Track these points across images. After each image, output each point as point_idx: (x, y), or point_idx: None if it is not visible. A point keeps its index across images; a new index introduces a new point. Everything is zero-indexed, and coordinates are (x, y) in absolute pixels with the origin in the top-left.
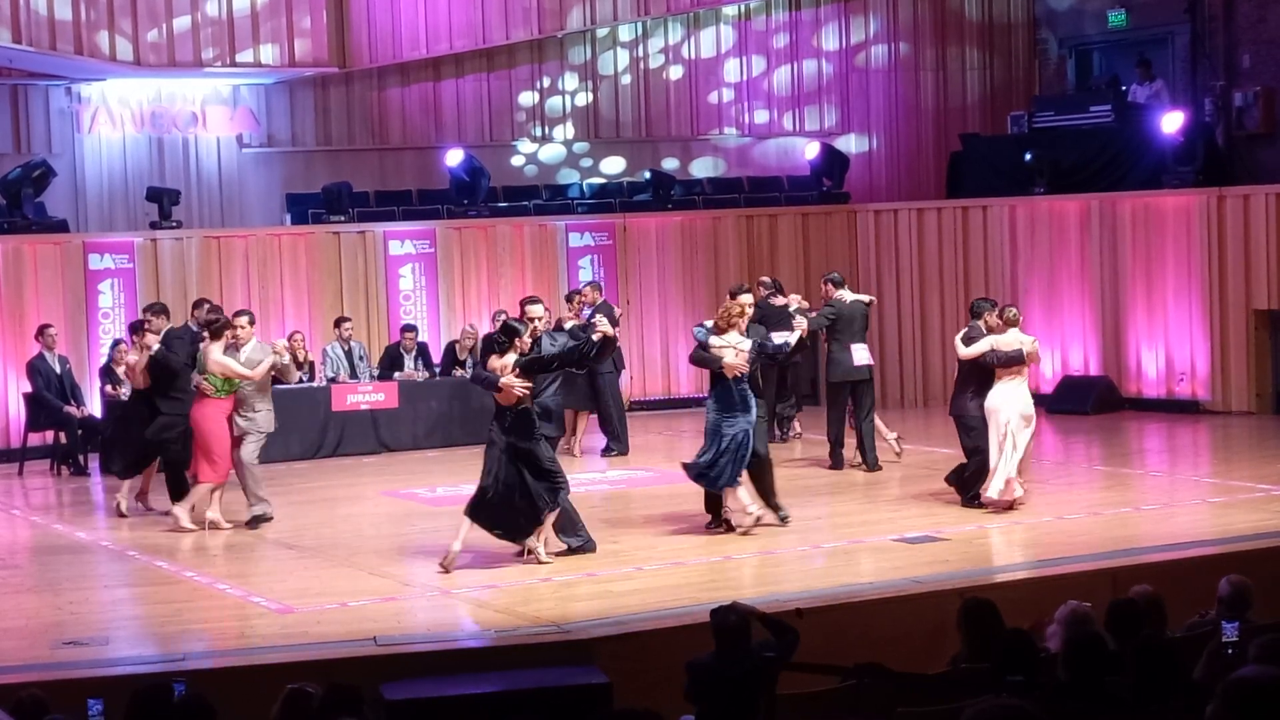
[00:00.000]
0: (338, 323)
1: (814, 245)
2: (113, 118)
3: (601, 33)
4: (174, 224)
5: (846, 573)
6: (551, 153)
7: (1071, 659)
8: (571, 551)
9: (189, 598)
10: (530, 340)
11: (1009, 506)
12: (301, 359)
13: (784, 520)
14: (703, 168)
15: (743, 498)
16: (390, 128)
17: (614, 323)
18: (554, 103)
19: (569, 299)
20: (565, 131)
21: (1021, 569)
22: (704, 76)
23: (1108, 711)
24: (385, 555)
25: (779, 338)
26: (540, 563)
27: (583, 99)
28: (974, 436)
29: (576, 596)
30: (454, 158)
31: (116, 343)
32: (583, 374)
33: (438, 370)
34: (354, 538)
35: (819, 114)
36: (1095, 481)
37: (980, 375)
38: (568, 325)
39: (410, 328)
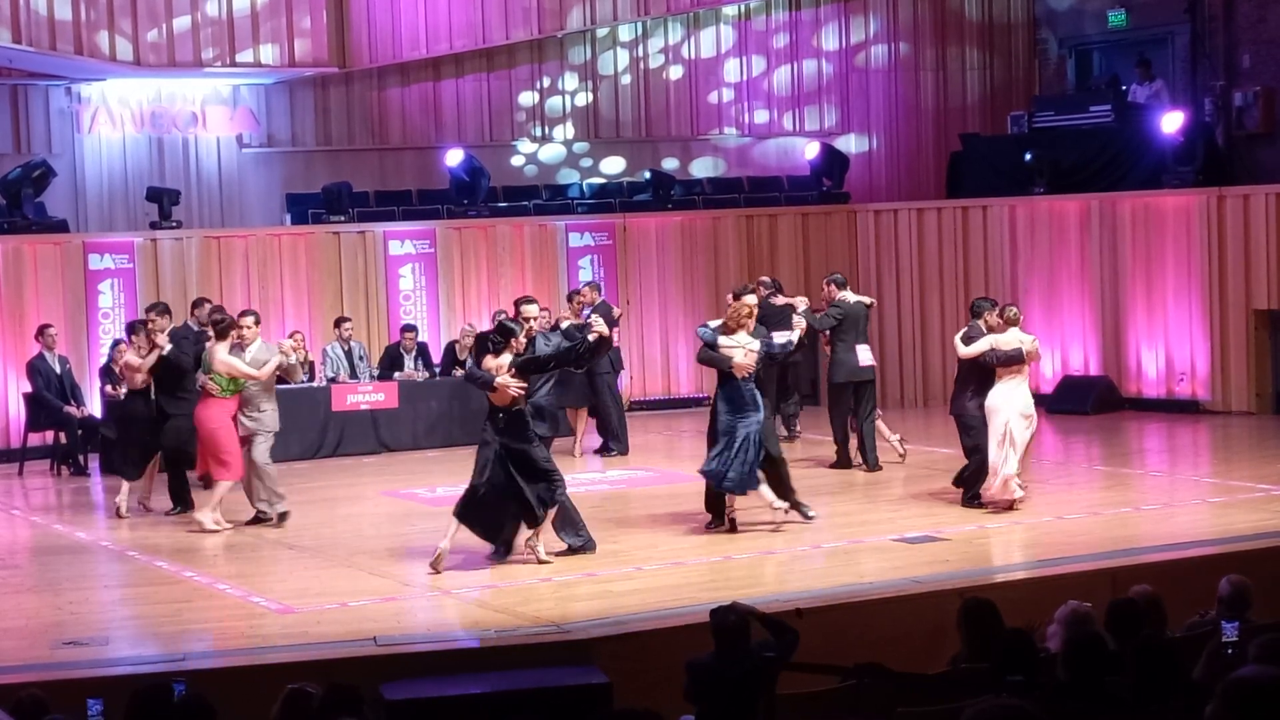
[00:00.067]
0: (338, 323)
1: (814, 245)
2: (113, 118)
3: (601, 33)
4: (174, 224)
5: (846, 573)
6: (551, 153)
7: (1071, 659)
8: (571, 551)
9: (189, 598)
10: (525, 340)
11: (1009, 506)
12: (301, 359)
13: (810, 518)
14: (703, 168)
15: (767, 494)
16: (390, 128)
17: (612, 323)
18: (554, 103)
19: (570, 299)
20: (565, 131)
21: (1021, 569)
22: (704, 76)
23: (1108, 711)
24: (385, 555)
25: (780, 337)
26: (541, 562)
27: (583, 99)
28: (973, 436)
29: (576, 596)
30: (454, 158)
31: (116, 343)
32: (581, 373)
33: (438, 370)
34: (354, 538)
35: (819, 114)
36: (1095, 481)
37: (980, 375)
38: (564, 325)
39: (410, 328)
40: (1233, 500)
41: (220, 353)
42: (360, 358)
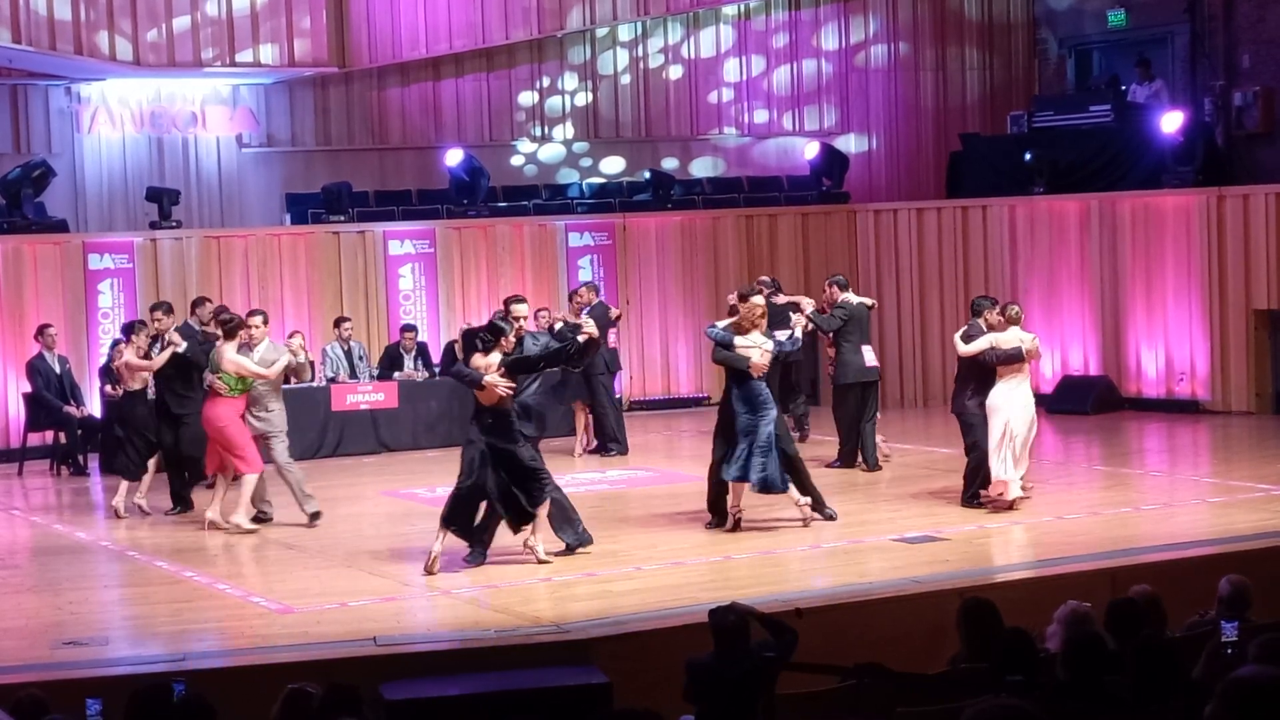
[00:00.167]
0: (337, 323)
1: (814, 245)
2: (112, 118)
3: (601, 33)
4: (174, 224)
5: (847, 573)
6: (551, 153)
7: (1071, 659)
8: (570, 550)
9: (189, 598)
10: (514, 339)
11: (1009, 506)
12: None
13: (830, 517)
14: (702, 168)
15: (793, 492)
16: (390, 128)
17: (610, 324)
18: (554, 103)
19: (571, 299)
20: (565, 131)
21: (1021, 569)
22: (704, 76)
23: (1107, 711)
24: (385, 555)
25: (783, 334)
26: (540, 562)
27: (582, 99)
28: (973, 434)
29: (576, 596)
30: (454, 158)
31: (116, 343)
32: (578, 372)
33: (437, 370)
34: (354, 538)
35: (819, 114)
36: (1095, 481)
37: (980, 373)
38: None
39: (410, 328)
40: (1232, 500)
41: (229, 352)
42: (360, 358)
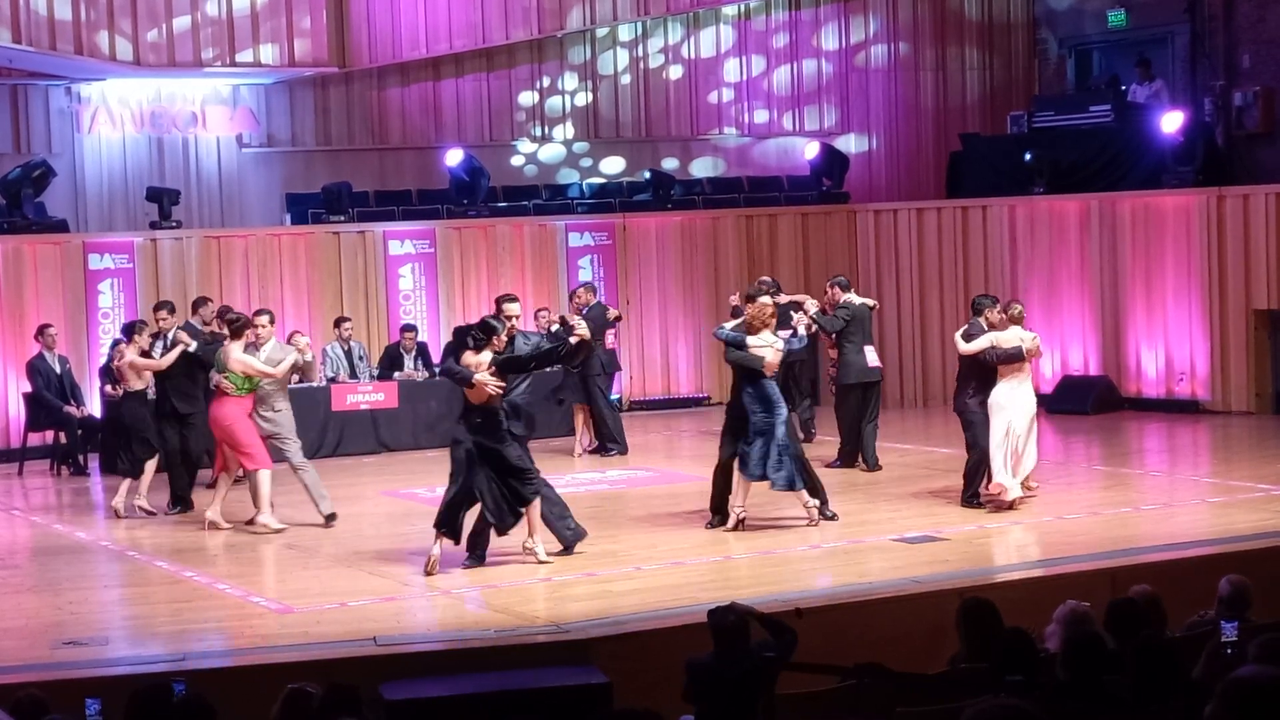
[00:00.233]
0: (337, 323)
1: (814, 245)
2: (113, 118)
3: (601, 33)
4: (174, 224)
5: (847, 572)
6: (551, 153)
7: (1071, 659)
8: (567, 549)
9: (189, 598)
10: (506, 338)
11: (1009, 506)
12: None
13: (832, 518)
14: (702, 168)
15: (803, 493)
16: (390, 128)
17: (608, 325)
18: (554, 103)
19: (572, 299)
20: (565, 131)
21: (1021, 569)
22: (704, 76)
23: (1107, 711)
24: (385, 555)
25: (786, 334)
26: (540, 562)
27: (582, 99)
28: (973, 432)
29: (576, 596)
30: (454, 158)
31: (116, 343)
32: (576, 373)
33: (438, 370)
34: (354, 538)
35: (819, 114)
36: (1095, 481)
37: (981, 372)
38: (553, 328)
39: (410, 328)
40: (1232, 500)
41: (235, 351)
42: (360, 358)
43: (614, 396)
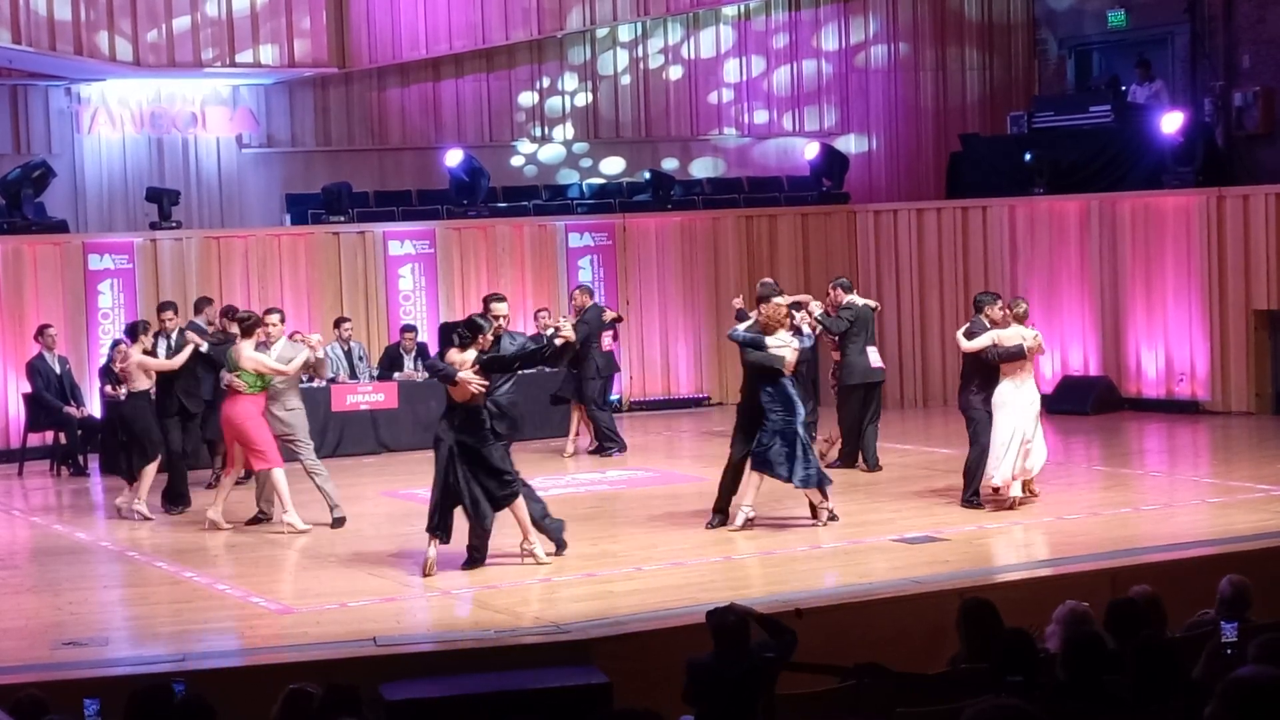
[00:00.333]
0: (337, 323)
1: (814, 245)
2: (112, 118)
3: (601, 33)
4: (174, 224)
5: (847, 573)
6: (551, 153)
7: (1070, 659)
8: (559, 550)
9: (189, 598)
10: (492, 338)
11: (1010, 506)
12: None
13: (833, 518)
14: (702, 168)
15: (813, 493)
16: (390, 128)
17: (604, 327)
18: (554, 103)
19: (572, 299)
20: (565, 132)
21: (1021, 569)
22: (704, 77)
23: (1107, 711)
24: (385, 555)
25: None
26: (540, 563)
27: (582, 99)
28: (975, 428)
29: (576, 597)
30: (453, 158)
31: (116, 343)
32: (575, 373)
33: (422, 366)
34: (354, 538)
35: (819, 114)
36: (1095, 481)
37: (983, 369)
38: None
39: (410, 328)
40: (1233, 500)
41: (247, 349)
42: (360, 358)
43: (614, 397)
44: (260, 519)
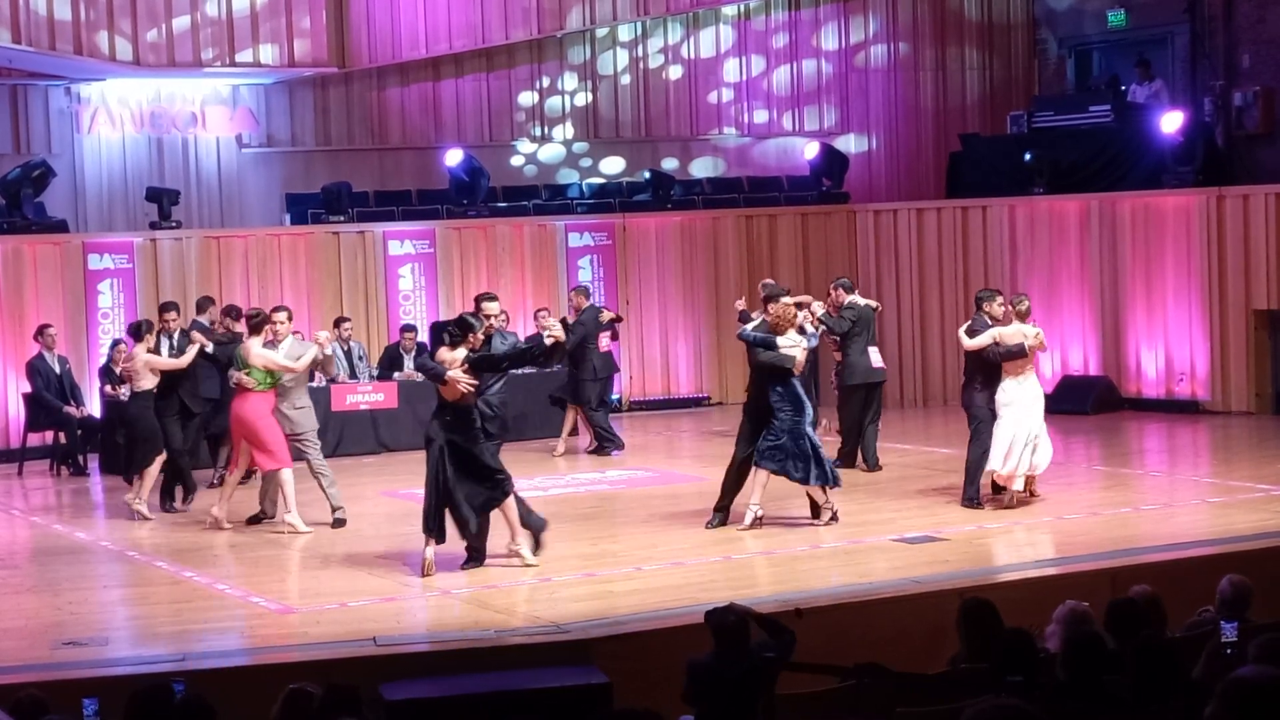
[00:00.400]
0: (337, 323)
1: (814, 245)
2: (112, 118)
3: (601, 33)
4: (173, 224)
5: (847, 573)
6: (551, 153)
7: (1070, 659)
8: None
9: (189, 598)
10: (483, 337)
11: (1009, 505)
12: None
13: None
14: (702, 168)
15: (818, 492)
16: (390, 128)
17: (603, 328)
18: (553, 103)
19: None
20: (565, 131)
21: (1021, 569)
22: (703, 76)
23: (1107, 711)
24: (385, 555)
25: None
26: (527, 564)
27: (582, 99)
28: (977, 426)
29: (576, 596)
30: (453, 158)
31: (116, 343)
32: (572, 372)
33: (414, 365)
34: (354, 538)
35: (818, 114)
36: (1095, 481)
37: (985, 367)
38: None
39: (410, 328)
40: (1233, 500)
41: (255, 347)
42: (360, 358)
43: (614, 397)
44: (261, 518)
